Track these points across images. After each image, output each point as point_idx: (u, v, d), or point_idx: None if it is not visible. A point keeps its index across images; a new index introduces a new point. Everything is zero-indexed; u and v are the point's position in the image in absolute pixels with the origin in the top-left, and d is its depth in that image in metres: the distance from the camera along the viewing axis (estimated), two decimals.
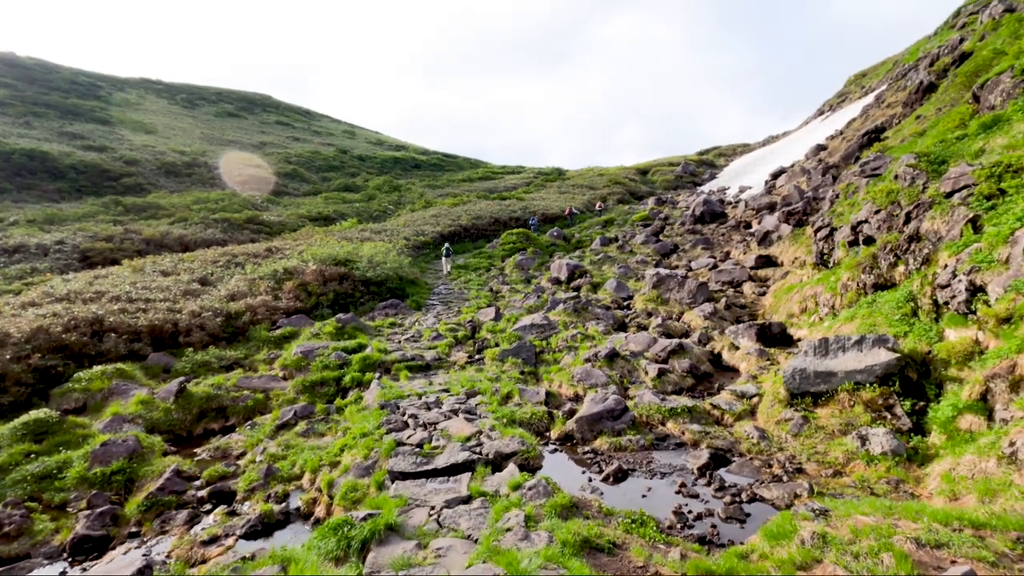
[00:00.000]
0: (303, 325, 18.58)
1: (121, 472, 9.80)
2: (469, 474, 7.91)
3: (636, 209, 42.13)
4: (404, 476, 8.03)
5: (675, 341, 14.07)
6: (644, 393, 11.17)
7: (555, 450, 9.55)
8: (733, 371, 13.79)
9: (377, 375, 14.31)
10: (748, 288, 20.14)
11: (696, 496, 7.46)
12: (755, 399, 10.86)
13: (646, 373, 13.06)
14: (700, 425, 10.03)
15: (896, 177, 13.00)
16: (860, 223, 13.65)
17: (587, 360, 13.76)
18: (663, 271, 19.42)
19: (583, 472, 8.46)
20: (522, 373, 14.11)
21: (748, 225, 29.91)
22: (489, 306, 20.25)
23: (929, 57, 31.50)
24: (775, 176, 35.69)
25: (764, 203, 30.47)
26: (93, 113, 66.65)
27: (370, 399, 12.62)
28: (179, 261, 24.73)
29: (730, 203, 36.41)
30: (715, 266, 23.30)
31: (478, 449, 8.79)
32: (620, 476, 8.13)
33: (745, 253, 24.47)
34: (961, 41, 27.99)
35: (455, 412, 10.82)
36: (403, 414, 10.94)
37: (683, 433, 9.84)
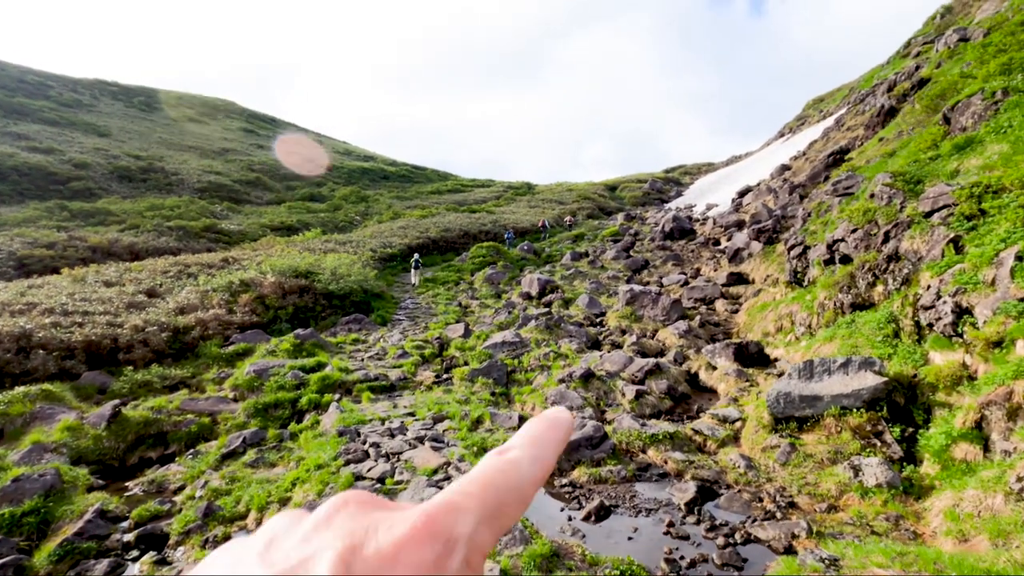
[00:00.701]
0: (259, 341, 17.35)
1: (34, 513, 8.52)
2: None
3: (606, 224, 42.02)
4: None
5: (652, 361, 13.50)
6: (623, 417, 10.50)
7: None
8: (711, 392, 13.29)
9: (337, 397, 13.28)
10: (720, 305, 19.87)
11: (686, 537, 6.77)
12: (738, 424, 10.32)
13: (623, 395, 12.42)
14: (683, 453, 9.40)
15: (872, 196, 12.82)
16: (836, 242, 13.42)
17: (561, 381, 13.05)
18: (636, 287, 18.96)
19: (562, 509, 7.68)
20: (493, 395, 13.30)
21: (717, 242, 29.97)
22: (458, 322, 19.40)
23: (886, 83, 32.39)
24: (741, 195, 36.05)
25: (732, 220, 30.61)
26: (41, 113, 63.30)
27: (328, 424, 11.60)
28: (125, 271, 23.08)
29: (698, 220, 36.58)
30: (686, 283, 23.05)
31: (446, 484, 7.91)
32: (602, 514, 7.39)
33: (716, 270, 24.33)
34: (917, 68, 28.82)
35: (421, 440, 9.93)
36: (364, 442, 9.98)
37: (666, 462, 9.19)
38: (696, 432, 10.16)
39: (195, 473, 10.28)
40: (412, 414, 11.77)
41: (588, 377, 12.98)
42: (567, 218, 42.04)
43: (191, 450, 11.43)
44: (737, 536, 6.70)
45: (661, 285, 23.26)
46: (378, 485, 7.90)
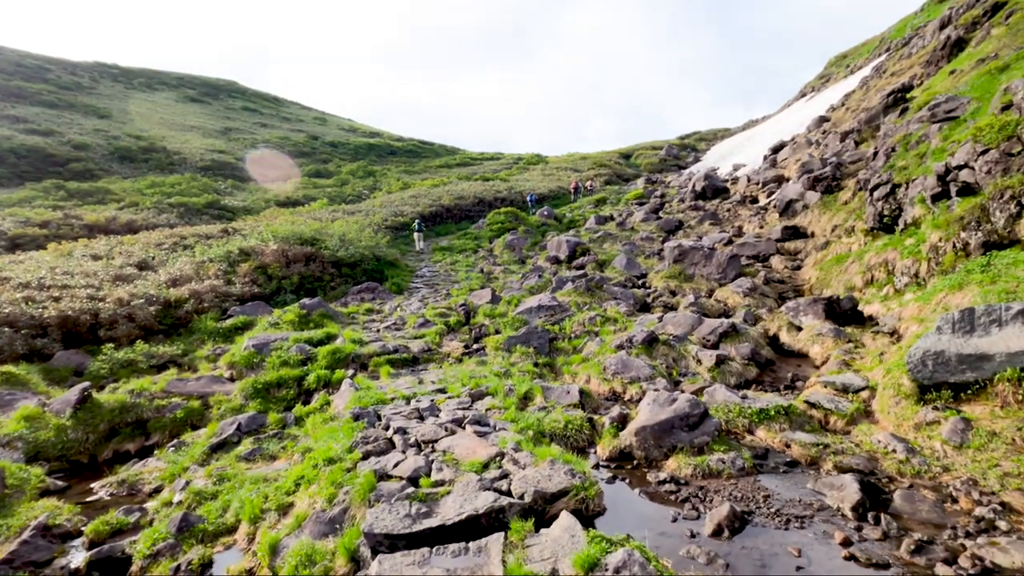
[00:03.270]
0: (260, 313, 15.07)
1: None
2: (500, 536, 4.70)
3: (626, 189, 39.25)
4: (392, 541, 4.78)
5: (726, 322, 11.07)
6: (715, 389, 8.10)
7: (612, 478, 6.40)
8: (799, 356, 10.85)
9: (350, 373, 10.99)
10: (777, 262, 17.32)
11: (885, 566, 4.39)
12: (864, 393, 7.88)
13: (698, 361, 10.02)
14: (807, 433, 7.01)
15: (1007, 108, 10.16)
16: (954, 170, 10.79)
17: (619, 347, 10.65)
18: (685, 243, 16.43)
19: (675, 519, 5.33)
20: (536, 365, 10.95)
21: (755, 199, 27.22)
22: (483, 288, 17.01)
23: (939, 21, 29.16)
24: (775, 151, 33.09)
25: (771, 176, 27.81)
26: (40, 96, 60.85)
27: (340, 405, 9.31)
28: (117, 244, 20.81)
29: (728, 180, 33.73)
30: (730, 241, 20.44)
31: (505, 485, 5.58)
32: (737, 526, 5.03)
33: (763, 226, 21.68)
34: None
35: (459, 423, 7.59)
36: (386, 427, 7.66)
37: (788, 446, 6.80)
38: (812, 405, 7.74)
39: (176, 470, 8.05)
40: (443, 390, 9.44)
41: (652, 342, 10.57)
42: (588, 183, 39.29)
43: (174, 440, 9.20)
44: (965, 562, 4.31)
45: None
46: (411, 488, 5.58)
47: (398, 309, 15.72)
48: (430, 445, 6.93)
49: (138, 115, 65.03)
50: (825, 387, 8.26)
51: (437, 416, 8.08)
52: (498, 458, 6.32)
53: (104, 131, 55.71)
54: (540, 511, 5.24)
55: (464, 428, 7.43)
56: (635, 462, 6.76)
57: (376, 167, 61.36)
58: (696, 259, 15.93)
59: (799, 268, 16.59)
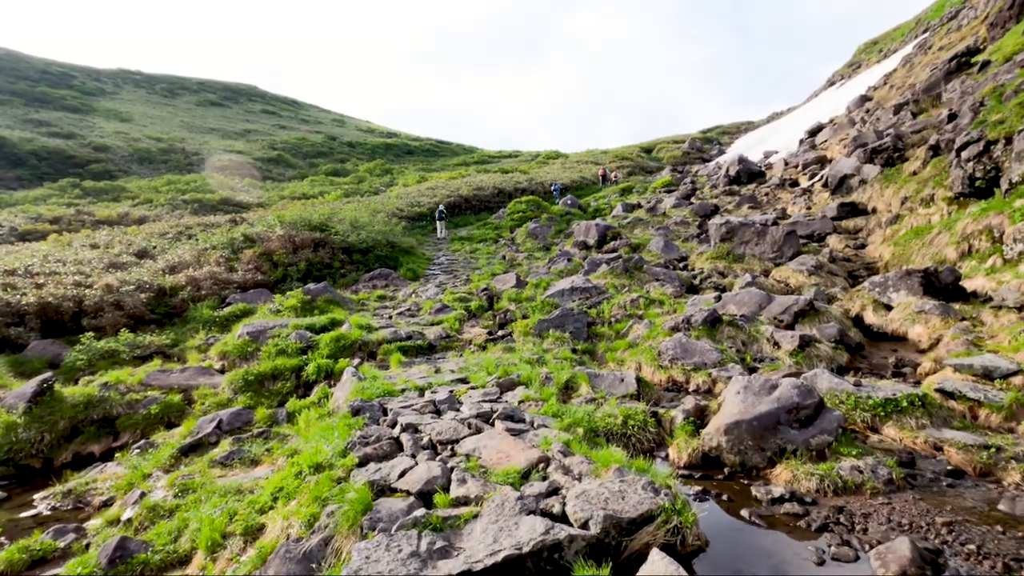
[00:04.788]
0: (262, 301, 13.49)
1: None
2: None
3: (651, 180, 37.22)
4: None
5: (802, 298, 9.15)
6: (819, 375, 6.19)
7: (701, 494, 4.55)
8: (892, 339, 8.87)
9: (355, 361, 9.29)
10: (835, 241, 15.28)
11: None
12: (1017, 379, 5.91)
13: (775, 344, 8.11)
14: (961, 432, 5.09)
15: None
16: None
17: (675, 329, 8.78)
18: (734, 219, 14.48)
19: (818, 561, 3.47)
20: (574, 351, 9.13)
21: (795, 182, 25.05)
22: (506, 273, 15.24)
23: None
24: (812, 133, 30.83)
25: (812, 158, 25.61)
26: (63, 101, 60.91)
27: (341, 398, 7.60)
28: (120, 234, 19.53)
29: (761, 166, 31.52)
30: (775, 222, 18.36)
31: (556, 506, 3.76)
32: (928, 574, 3.15)
33: (809, 207, 19.59)
34: None
35: (486, 418, 5.81)
36: (392, 424, 5.92)
37: (937, 448, 4.89)
38: (949, 395, 5.79)
39: (135, 477, 6.42)
40: (464, 380, 7.67)
41: (714, 322, 8.69)
42: (613, 174, 37.37)
43: (143, 441, 7.59)
44: None
45: None
46: (421, 510, 3.81)
47: (413, 295, 14.02)
48: (448, 447, 5.16)
49: (159, 119, 64.83)
50: (957, 372, 6.29)
51: (458, 410, 6.31)
52: (541, 465, 4.52)
53: (125, 134, 55.38)
54: (614, 546, 3.43)
55: (493, 424, 5.64)
56: (726, 470, 4.90)
57: (393, 166, 60.10)
58: (747, 237, 13.96)
59: (863, 246, 14.53)
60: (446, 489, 4.24)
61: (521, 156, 67.42)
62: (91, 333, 11.07)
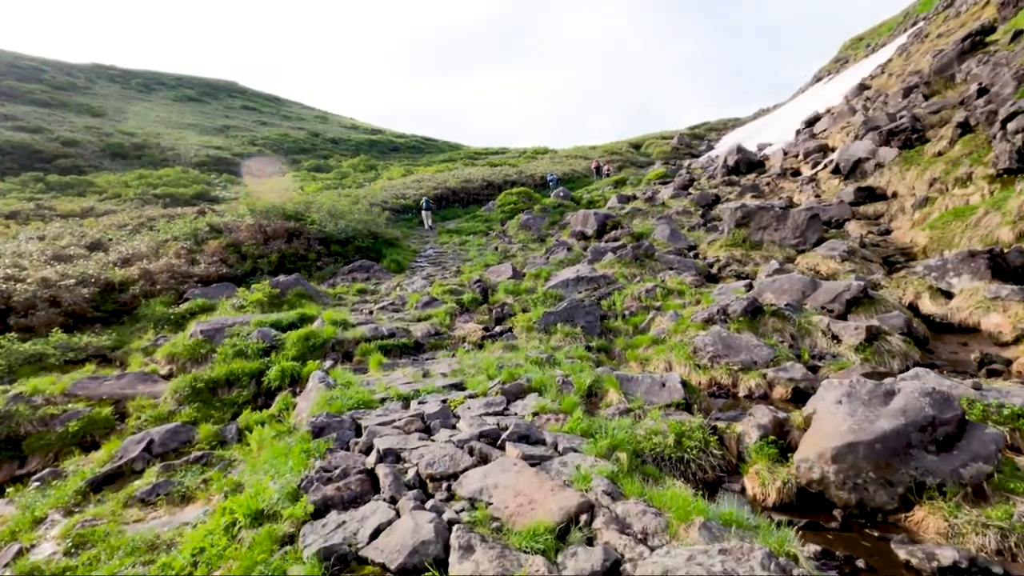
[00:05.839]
0: (226, 296, 11.80)
1: None
2: None
3: (643, 173, 35.93)
4: None
5: (855, 284, 7.75)
6: (916, 374, 4.76)
7: (819, 558, 3.06)
8: (958, 331, 7.50)
9: (327, 363, 7.70)
10: (855, 227, 13.96)
11: None
12: None
13: (834, 338, 6.68)
14: None
15: None
16: None
17: (710, 321, 7.33)
18: (751, 203, 13.14)
19: None
20: (588, 349, 7.63)
21: (797, 172, 23.89)
22: (501, 263, 13.71)
23: None
24: (810, 123, 29.76)
25: (813, 147, 24.48)
26: (32, 95, 57.99)
27: (305, 409, 6.02)
28: (74, 226, 17.62)
29: (759, 156, 30.39)
30: (791, 206, 17.10)
31: None
32: None
33: (818, 195, 18.34)
34: None
35: (493, 440, 4.28)
36: (366, 448, 4.37)
37: None
38: None
39: (24, 522, 4.77)
40: (459, 386, 6.13)
41: (756, 313, 7.25)
42: (605, 167, 36.01)
43: (50, 469, 5.92)
44: None
45: None
46: None
47: (397, 288, 12.42)
48: (444, 484, 3.63)
49: (133, 114, 62.15)
50: None
51: (454, 426, 4.78)
52: (583, 517, 3.01)
53: (96, 128, 52.76)
54: None
55: (503, 448, 4.12)
56: (838, 514, 3.44)
57: (378, 162, 58.19)
58: (765, 222, 12.59)
59: (888, 232, 13.23)
60: (443, 563, 2.71)
61: (509, 153, 65.91)
62: (14, 334, 9.31)
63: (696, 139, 62.96)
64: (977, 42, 18.04)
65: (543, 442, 4.25)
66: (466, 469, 3.76)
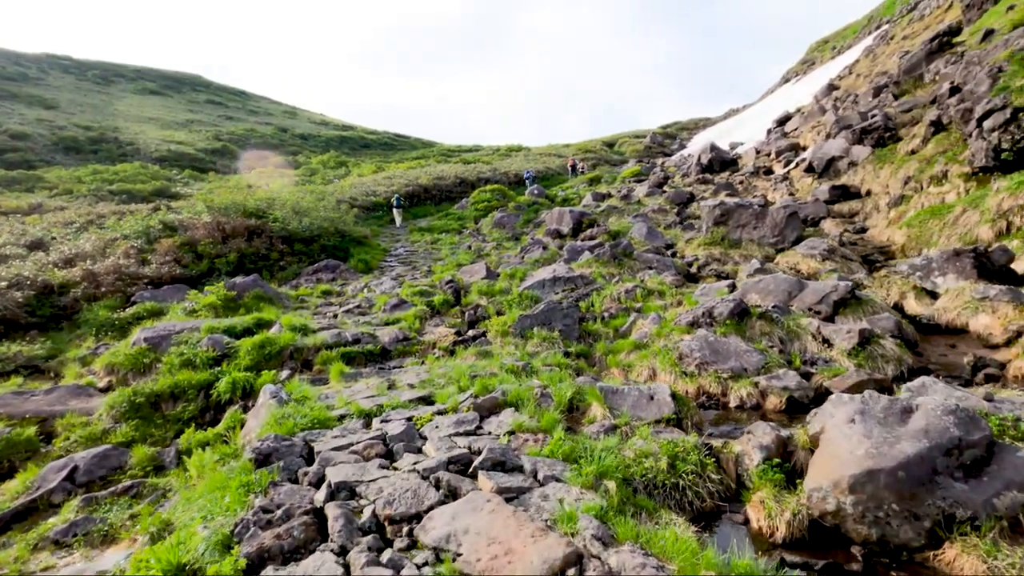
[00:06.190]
0: (178, 299, 10.95)
1: None
2: None
3: (617, 171, 35.77)
4: None
5: (841, 284, 7.45)
6: (927, 386, 4.38)
7: None
8: (945, 332, 7.25)
9: (283, 374, 7.04)
10: (831, 226, 13.85)
11: None
12: None
13: (825, 342, 6.34)
14: None
15: None
16: None
17: (695, 324, 6.91)
18: (729, 201, 12.87)
19: None
20: (567, 355, 7.13)
21: (770, 170, 23.93)
22: (474, 263, 13.14)
23: None
24: (782, 122, 29.96)
25: (785, 145, 24.57)
26: None
27: (254, 428, 5.37)
28: (16, 224, 16.38)
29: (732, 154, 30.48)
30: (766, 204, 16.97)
31: None
32: None
33: (792, 193, 18.29)
34: None
35: (464, 466, 3.75)
36: (316, 479, 3.77)
37: None
38: None
39: None
40: (428, 400, 5.56)
41: (743, 315, 6.86)
42: (580, 165, 35.70)
43: None
44: None
45: None
46: None
47: (364, 290, 11.73)
48: (405, 529, 3.07)
49: (89, 106, 59.36)
50: None
51: (419, 450, 4.22)
52: (572, 572, 2.49)
53: (49, 121, 50.13)
54: None
55: (475, 478, 3.58)
56: (858, 552, 3.01)
57: (349, 159, 56.83)
58: (744, 220, 12.32)
59: (864, 230, 13.13)
60: None
61: (482, 150, 65.24)
62: None
63: (668, 138, 63.40)
64: (944, 43, 18.22)
65: (520, 469, 3.72)
66: (432, 507, 3.21)
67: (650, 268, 10.87)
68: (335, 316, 9.69)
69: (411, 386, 6.09)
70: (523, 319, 7.94)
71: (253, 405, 6.23)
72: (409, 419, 4.85)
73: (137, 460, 5.44)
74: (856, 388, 5.27)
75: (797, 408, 5.17)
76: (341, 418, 5.13)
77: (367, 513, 3.20)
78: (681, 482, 3.67)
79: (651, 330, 7.30)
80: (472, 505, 3.14)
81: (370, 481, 3.60)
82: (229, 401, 6.78)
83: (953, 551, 2.84)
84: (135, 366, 7.75)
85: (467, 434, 4.45)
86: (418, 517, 3.14)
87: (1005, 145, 9.95)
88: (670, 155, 50.97)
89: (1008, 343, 6.39)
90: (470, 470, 3.72)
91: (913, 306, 7.90)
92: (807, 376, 5.68)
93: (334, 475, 3.67)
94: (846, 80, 29.95)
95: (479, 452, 3.95)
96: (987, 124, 10.32)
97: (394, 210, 22.23)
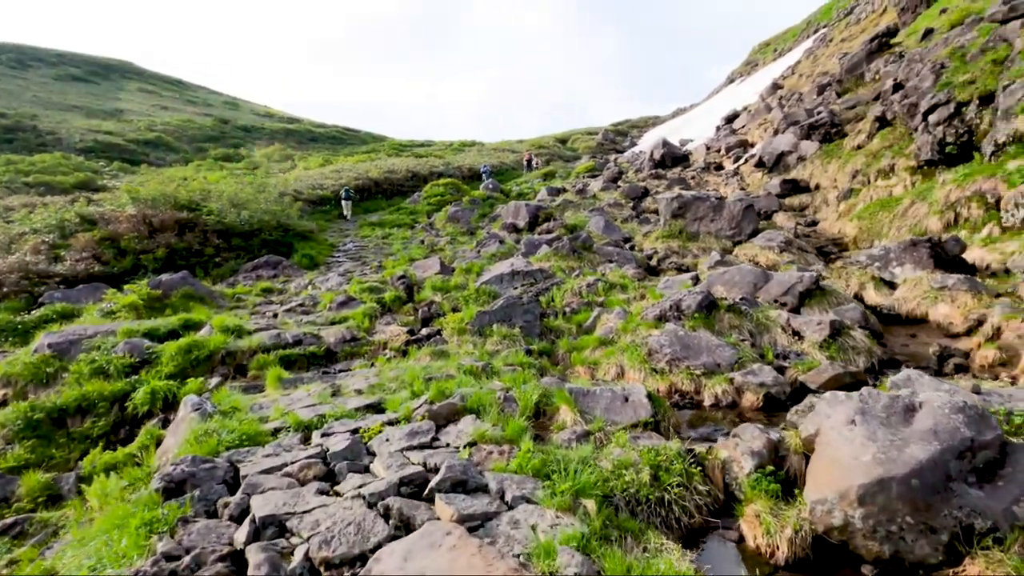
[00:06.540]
0: (95, 299, 9.79)
1: None
2: None
3: (572, 166, 35.67)
4: None
5: (807, 275, 7.30)
6: (912, 379, 4.12)
7: None
8: (905, 322, 7.22)
9: (213, 381, 6.25)
10: (783, 219, 14.00)
11: None
12: None
13: (795, 335, 6.11)
14: None
15: None
16: None
17: (662, 318, 6.56)
18: (687, 193, 12.72)
19: None
20: (529, 353, 6.65)
21: (720, 166, 24.30)
22: (427, 257, 12.48)
23: None
24: (729, 120, 30.60)
25: (734, 142, 25.02)
26: None
27: (173, 447, 4.62)
28: None
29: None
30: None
31: None
32: None
33: (743, 187, 18.51)
34: None
35: (418, 488, 3.19)
36: (239, 512, 3.12)
37: None
38: None
39: None
40: (377, 407, 4.95)
41: (711, 308, 6.57)
42: (534, 161, 35.38)
43: None
44: None
45: None
46: None
47: (309, 287, 10.88)
48: (346, 572, 2.49)
49: (4, 92, 54.50)
50: None
51: (366, 469, 3.63)
52: None
53: None
54: None
55: (432, 503, 3.04)
56: (869, 570, 2.65)
57: (295, 152, 54.50)
58: (701, 212, 12.20)
59: (815, 223, 13.31)
60: None
61: (435, 145, 64.05)
62: None
63: (620, 135, 64.07)
64: (883, 43, 18.84)
65: (485, 489, 3.20)
66: (380, 545, 2.64)
67: (610, 261, 10.56)
68: (275, 316, 8.85)
69: (358, 392, 5.45)
70: (481, 315, 7.40)
71: (175, 418, 5.44)
72: (355, 431, 4.23)
73: (27, 489, 4.58)
74: (832, 382, 5.03)
75: (775, 405, 4.88)
76: (276, 432, 4.46)
77: (298, 556, 2.60)
78: (667, 496, 3.24)
79: (616, 325, 6.91)
80: (429, 540, 2.59)
81: (304, 512, 2.99)
82: (148, 414, 5.94)
83: (975, 568, 2.52)
84: (36, 376, 6.73)
85: (422, 447, 3.88)
86: (362, 559, 2.57)
87: (950, 139, 10.17)
88: (622, 152, 51.45)
89: (969, 332, 6.37)
90: (426, 492, 3.17)
91: (872, 296, 7.86)
92: (781, 370, 5.42)
93: (261, 506, 3.04)
94: (789, 80, 30.87)
95: (436, 469, 3.40)
96: (932, 118, 10.53)
97: (343, 202, 21.24)
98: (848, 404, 3.22)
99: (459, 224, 19.39)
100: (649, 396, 4.37)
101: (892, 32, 18.98)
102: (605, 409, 4.35)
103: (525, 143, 54.84)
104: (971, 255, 8.31)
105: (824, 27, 42.01)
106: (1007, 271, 7.47)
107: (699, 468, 3.51)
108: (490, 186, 26.29)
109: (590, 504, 3.00)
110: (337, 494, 3.28)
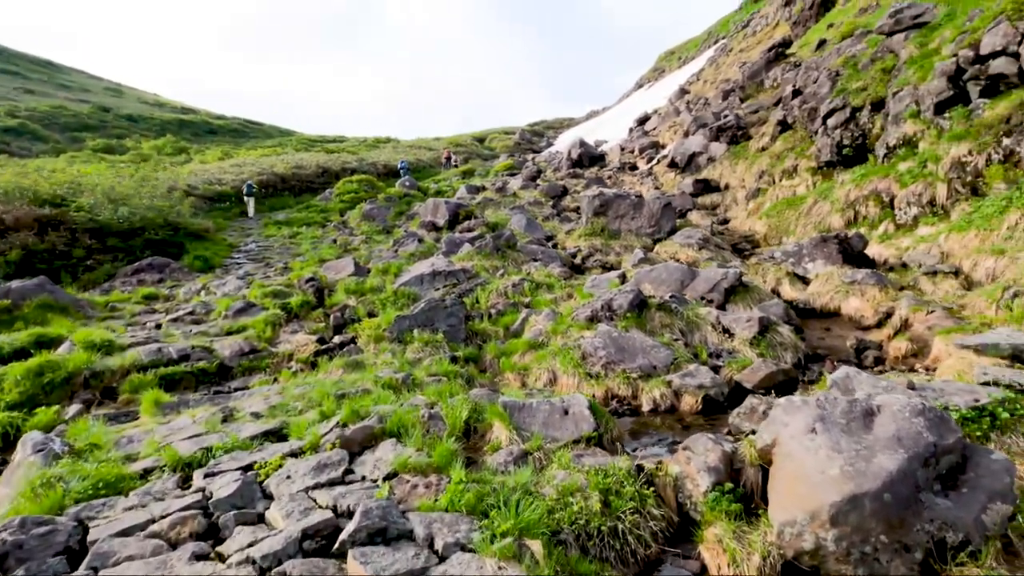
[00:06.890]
0: None
1: None
2: None
3: (490, 165, 35.36)
4: None
5: (731, 272, 7.33)
6: (847, 375, 4.03)
7: None
8: (820, 316, 7.45)
9: (71, 410, 5.16)
10: (697, 217, 14.44)
11: None
12: None
13: (726, 332, 6.03)
14: None
15: None
16: (975, 64, 8.14)
17: (594, 319, 6.26)
18: (608, 191, 12.73)
19: None
20: (454, 361, 6.10)
21: (635, 166, 24.93)
22: (340, 258, 11.52)
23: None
24: (641, 122, 31.62)
25: (647, 143, 25.80)
26: None
27: (6, 499, 3.61)
28: None
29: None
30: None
31: None
32: None
33: (658, 187, 19.01)
34: None
35: (327, 542, 2.56)
36: None
37: None
38: None
39: None
40: (279, 433, 4.20)
41: (642, 307, 6.37)
42: (454, 158, 34.64)
43: None
44: None
45: None
46: None
47: (201, 292, 9.62)
48: None
49: None
50: (978, 354, 4.68)
51: (260, 520, 2.94)
52: None
53: None
54: None
55: (344, 560, 2.43)
56: None
57: (191, 145, 49.95)
58: (622, 210, 12.21)
59: (727, 221, 13.81)
60: None
61: (348, 141, 61.36)
62: None
63: (536, 135, 64.69)
64: (780, 53, 20.11)
65: (410, 536, 2.63)
66: None
67: (535, 260, 10.23)
68: (158, 327, 7.65)
69: (256, 416, 4.65)
70: (400, 320, 6.75)
71: (10, 463, 4.35)
72: (248, 468, 3.50)
73: None
74: (767, 380, 4.94)
75: (714, 408, 4.69)
76: (145, 474, 3.61)
77: None
78: (619, 525, 2.85)
79: (546, 327, 6.54)
80: None
81: None
82: None
83: None
84: None
85: (332, 484, 3.24)
86: None
87: (847, 141, 10.80)
88: (539, 151, 51.91)
89: (879, 324, 6.63)
90: (336, 546, 2.56)
91: (788, 291, 8.08)
92: (715, 369, 5.27)
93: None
94: (695, 86, 32.41)
95: (350, 514, 2.79)
96: (831, 122, 11.15)
97: (246, 199, 19.50)
98: (806, 410, 2.99)
99: (375, 222, 18.39)
100: (591, 407, 3.99)
101: (787, 43, 20.30)
102: (543, 424, 3.91)
103: (443, 141, 54.00)
104: (871, 251, 8.80)
105: (723, 38, 44.73)
106: (904, 265, 7.94)
107: (651, 488, 3.15)
108: (407, 183, 25.31)
109: (536, 546, 2.53)
110: (220, 558, 2.58)
